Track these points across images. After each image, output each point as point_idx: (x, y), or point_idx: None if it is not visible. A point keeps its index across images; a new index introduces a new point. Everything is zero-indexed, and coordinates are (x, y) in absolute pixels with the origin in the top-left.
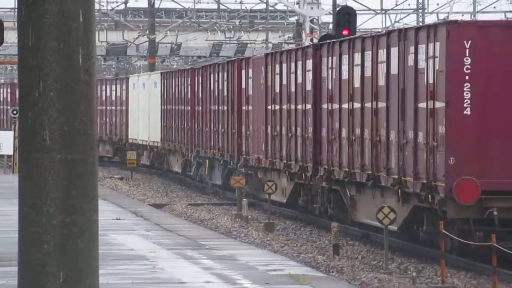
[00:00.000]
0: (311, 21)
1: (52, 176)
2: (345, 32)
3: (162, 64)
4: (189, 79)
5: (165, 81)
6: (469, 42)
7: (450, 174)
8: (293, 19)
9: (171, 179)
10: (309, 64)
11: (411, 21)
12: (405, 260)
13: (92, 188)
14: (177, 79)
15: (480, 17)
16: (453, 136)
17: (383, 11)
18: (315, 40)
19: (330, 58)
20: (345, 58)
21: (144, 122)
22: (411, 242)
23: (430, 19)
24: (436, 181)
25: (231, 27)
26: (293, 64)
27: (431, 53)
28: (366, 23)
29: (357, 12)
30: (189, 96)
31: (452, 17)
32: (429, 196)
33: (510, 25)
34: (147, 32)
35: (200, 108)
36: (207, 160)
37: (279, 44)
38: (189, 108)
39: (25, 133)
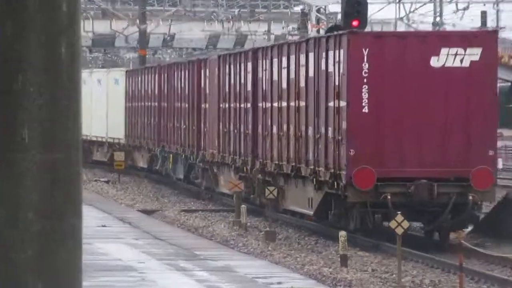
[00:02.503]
0: (318, 10)
1: (32, 177)
2: (354, 23)
3: (153, 57)
4: (156, 76)
5: (130, 78)
6: (367, 49)
7: (350, 164)
8: (298, 9)
9: (162, 183)
10: (249, 66)
11: (427, 11)
12: (420, 271)
13: (76, 192)
14: (143, 76)
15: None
16: (353, 131)
17: (397, 0)
18: (322, 32)
19: (264, 61)
20: (275, 62)
21: (100, 119)
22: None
23: (448, 9)
24: (340, 170)
25: (230, 16)
26: (238, 66)
27: (337, 59)
28: (378, 13)
29: (368, 1)
30: (156, 93)
31: (473, 7)
32: (335, 183)
33: (402, 35)
34: (137, 21)
35: (166, 104)
36: (171, 155)
37: (282, 35)
38: (156, 104)
39: (2, 131)
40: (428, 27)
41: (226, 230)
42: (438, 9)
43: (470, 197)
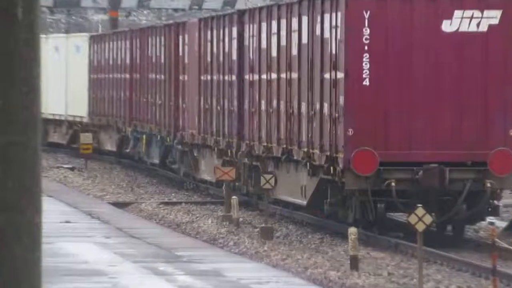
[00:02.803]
0: None
1: None
2: None
3: (127, 19)
4: (127, 42)
5: (95, 45)
6: (368, 12)
7: (348, 145)
8: None
9: (138, 169)
10: (234, 31)
11: None
12: (446, 275)
13: (33, 180)
14: (112, 42)
15: None
16: (352, 107)
17: None
18: None
19: (251, 26)
20: (264, 26)
21: (58, 93)
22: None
23: None
24: (337, 153)
25: None
26: (221, 31)
27: (333, 23)
28: None
29: None
30: (127, 63)
31: None
32: (331, 168)
33: None
34: None
35: (139, 76)
36: (144, 136)
37: None
38: (127, 76)
39: None
40: None
41: (214, 226)
42: None
43: (488, 184)
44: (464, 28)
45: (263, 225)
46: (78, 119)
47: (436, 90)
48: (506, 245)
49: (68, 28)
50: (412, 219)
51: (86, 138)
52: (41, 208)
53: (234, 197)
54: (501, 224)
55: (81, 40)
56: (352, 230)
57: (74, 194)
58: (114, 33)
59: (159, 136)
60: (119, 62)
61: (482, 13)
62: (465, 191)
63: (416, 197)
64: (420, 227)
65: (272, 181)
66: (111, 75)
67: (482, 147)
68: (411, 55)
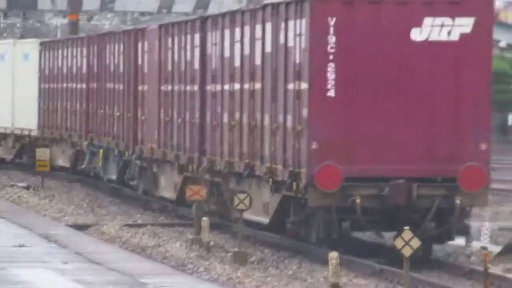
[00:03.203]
0: None
1: None
2: None
3: (89, 23)
4: (83, 50)
5: (47, 52)
6: (334, 19)
7: (312, 160)
8: None
9: (99, 188)
10: (197, 39)
11: None
12: None
13: None
14: (66, 50)
15: None
16: (316, 119)
17: None
18: None
19: (214, 33)
20: (227, 34)
21: (4, 104)
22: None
23: None
24: (300, 168)
25: None
26: (183, 39)
27: (298, 31)
28: None
29: None
30: (83, 72)
31: None
32: (294, 184)
33: (376, 1)
34: None
35: (96, 86)
36: (101, 150)
37: None
38: (84, 86)
39: None
40: None
41: (183, 250)
42: None
43: (458, 201)
44: (434, 36)
45: (236, 249)
46: (26, 132)
47: (405, 102)
48: (500, 272)
49: (24, 33)
50: (398, 243)
51: (42, 154)
52: None
53: (204, 218)
54: (496, 248)
55: (30, 47)
56: (333, 255)
57: (29, 215)
58: (68, 40)
59: (116, 150)
60: (74, 70)
61: (454, 20)
62: (433, 208)
63: (383, 214)
64: (407, 252)
65: (247, 201)
66: (65, 85)
67: (452, 162)
68: (379, 65)
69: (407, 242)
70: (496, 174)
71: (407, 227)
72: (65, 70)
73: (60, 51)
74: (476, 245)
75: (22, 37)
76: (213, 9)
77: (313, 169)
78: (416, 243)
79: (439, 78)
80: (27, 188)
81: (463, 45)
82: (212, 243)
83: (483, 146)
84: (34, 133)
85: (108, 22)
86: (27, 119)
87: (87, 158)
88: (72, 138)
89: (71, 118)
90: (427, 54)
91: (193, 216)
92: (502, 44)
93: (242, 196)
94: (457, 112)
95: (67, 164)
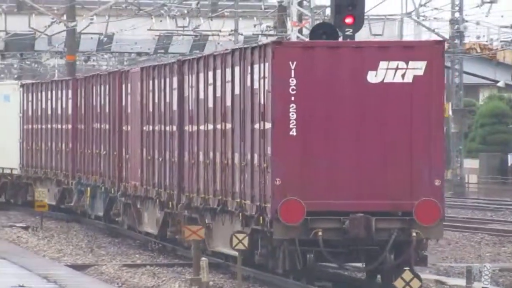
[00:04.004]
0: (300, 3)
1: None
2: (348, 20)
3: (86, 64)
4: (70, 91)
5: (29, 94)
6: (294, 63)
7: (276, 195)
8: (274, 1)
9: (98, 229)
10: (175, 81)
11: (443, 4)
12: None
13: None
14: (50, 91)
15: None
16: (279, 157)
17: None
18: (306, 31)
19: (190, 76)
20: (201, 77)
21: None
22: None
23: (471, 2)
24: (266, 203)
25: (186, 11)
26: (162, 81)
27: (262, 74)
28: (379, 6)
29: None
30: (69, 112)
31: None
32: (260, 218)
33: (334, 46)
34: (64, 17)
35: (83, 127)
36: (88, 188)
37: (254, 36)
38: (70, 126)
39: None
40: (445, 25)
41: None
42: (457, 2)
43: (414, 234)
44: (389, 78)
45: None
46: (7, 171)
47: (362, 140)
48: None
49: (21, 73)
50: (399, 283)
51: (41, 194)
52: None
53: (203, 258)
54: None
55: (10, 88)
56: None
57: (29, 255)
58: (52, 82)
59: (103, 188)
60: (59, 111)
61: (407, 64)
62: (391, 240)
63: (344, 246)
64: None
65: (246, 241)
66: (49, 126)
67: (408, 197)
68: (338, 105)
69: (407, 282)
70: (496, 215)
71: (407, 268)
72: (49, 112)
73: (43, 93)
74: (477, 286)
75: (19, 77)
76: (209, 49)
77: (277, 204)
78: (416, 284)
79: (394, 118)
80: (26, 228)
81: (416, 87)
82: (211, 283)
83: (437, 182)
84: (16, 172)
85: (105, 63)
86: (7, 159)
87: (75, 196)
88: (58, 177)
89: (56, 157)
90: (383, 96)
91: (191, 256)
92: (501, 84)
93: (240, 236)
94: (412, 150)
95: (52, 202)
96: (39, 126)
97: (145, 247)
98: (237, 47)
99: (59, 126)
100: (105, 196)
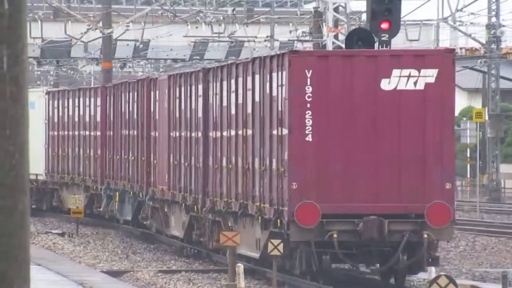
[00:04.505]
0: (336, 9)
1: None
2: (384, 25)
3: (122, 71)
4: (98, 98)
5: (55, 101)
6: (310, 71)
7: (292, 199)
8: (309, 7)
9: (134, 236)
10: (200, 89)
11: (480, 9)
12: None
13: (21, 247)
14: (77, 98)
15: None
16: (295, 162)
17: None
18: (342, 37)
19: (215, 84)
20: (225, 84)
21: None
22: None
23: (508, 7)
24: (283, 206)
25: (221, 18)
26: (188, 88)
27: (280, 82)
28: (415, 12)
29: None
30: (98, 120)
31: None
32: (278, 220)
33: (348, 55)
34: (100, 24)
35: (112, 133)
36: (117, 193)
37: (290, 42)
38: (99, 133)
39: None
40: (481, 30)
41: None
42: (494, 7)
43: (425, 235)
44: (402, 86)
45: None
46: (33, 177)
47: (376, 145)
48: None
49: (57, 80)
50: None
51: (76, 200)
52: (29, 278)
53: (239, 264)
54: None
55: (35, 95)
56: None
57: (64, 262)
58: (79, 89)
59: (131, 192)
60: (87, 119)
61: (419, 71)
62: (403, 242)
63: (358, 248)
64: None
65: (281, 247)
66: (76, 132)
67: (420, 200)
68: (352, 111)
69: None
70: None
71: (443, 273)
72: (76, 118)
73: (70, 100)
74: None
75: (56, 85)
76: (245, 55)
77: (293, 207)
78: None
79: (406, 124)
80: (62, 235)
81: (428, 94)
82: None
83: (448, 186)
84: (41, 177)
85: (141, 69)
86: (34, 164)
87: (104, 201)
88: (86, 183)
89: (84, 163)
90: (396, 102)
91: (227, 263)
92: None
93: (275, 241)
94: (424, 154)
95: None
96: (66, 132)
97: (180, 253)
98: (258, 55)
99: (87, 132)
100: (134, 201)
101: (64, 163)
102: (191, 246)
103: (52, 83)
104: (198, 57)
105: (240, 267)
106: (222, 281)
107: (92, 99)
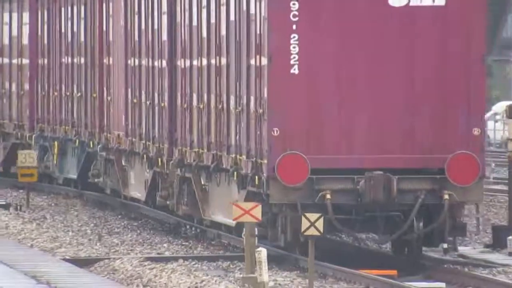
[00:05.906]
0: None
1: None
2: None
3: None
4: (25, 14)
5: None
6: None
7: (273, 149)
8: None
9: (110, 208)
10: (165, 3)
11: None
12: None
13: None
14: None
15: None
16: (277, 101)
17: None
18: None
19: None
20: None
21: None
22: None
23: None
24: (262, 159)
25: None
26: (150, 2)
27: None
28: None
29: None
30: (25, 43)
31: None
32: (256, 177)
33: None
34: None
35: (46, 61)
36: (55, 143)
37: None
38: (28, 61)
39: None
40: None
41: None
42: None
43: (446, 196)
44: (416, 1)
45: None
46: None
47: (382, 79)
48: None
49: None
50: None
51: (28, 158)
52: None
53: (259, 249)
54: None
55: None
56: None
57: (10, 245)
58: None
59: (77, 141)
60: (5, 41)
61: None
62: (417, 205)
63: (357, 212)
64: None
65: (320, 224)
66: None
67: (439, 151)
68: (352, 35)
69: None
70: None
71: None
72: None
73: None
74: None
75: None
76: None
77: (274, 160)
78: None
79: (422, 50)
80: (6, 207)
81: (451, 11)
82: (271, 284)
83: (476, 131)
84: None
85: None
86: None
87: (37, 154)
88: (5, 129)
89: (4, 102)
90: (407, 22)
91: (243, 246)
92: None
93: (313, 216)
94: (444, 90)
95: None
96: None
97: (176, 233)
98: None
99: (7, 60)
100: (80, 153)
101: None
102: (193, 224)
103: None
104: None
105: (262, 252)
106: (236, 272)
107: (15, 14)
